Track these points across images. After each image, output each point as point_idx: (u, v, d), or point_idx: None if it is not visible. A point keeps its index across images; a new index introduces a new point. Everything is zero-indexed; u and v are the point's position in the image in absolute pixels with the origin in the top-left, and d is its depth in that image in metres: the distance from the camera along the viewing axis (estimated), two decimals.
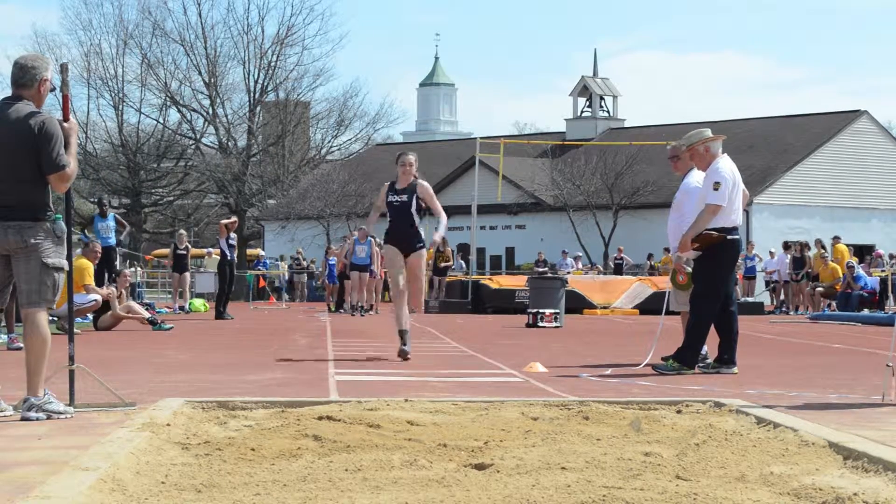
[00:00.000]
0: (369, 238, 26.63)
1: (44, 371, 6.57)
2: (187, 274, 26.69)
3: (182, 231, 29.50)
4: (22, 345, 12.53)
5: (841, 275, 27.86)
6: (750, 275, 33.18)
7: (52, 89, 6.69)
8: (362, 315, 24.99)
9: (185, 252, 26.57)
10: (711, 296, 9.93)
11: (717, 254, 9.88)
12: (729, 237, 9.91)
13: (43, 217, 6.52)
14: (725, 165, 10.03)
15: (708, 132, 10.26)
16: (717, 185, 9.79)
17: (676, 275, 10.34)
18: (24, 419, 6.43)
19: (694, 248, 9.90)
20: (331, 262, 31.00)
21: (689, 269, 10.14)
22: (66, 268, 6.70)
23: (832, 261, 29.10)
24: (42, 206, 6.52)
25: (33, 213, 6.51)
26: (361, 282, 26.14)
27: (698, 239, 9.82)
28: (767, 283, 33.80)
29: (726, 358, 10.09)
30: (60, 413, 6.47)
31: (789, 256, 31.25)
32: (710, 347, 10.29)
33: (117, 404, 6.90)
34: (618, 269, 37.23)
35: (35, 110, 6.51)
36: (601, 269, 38.32)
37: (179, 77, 57.17)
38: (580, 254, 41.36)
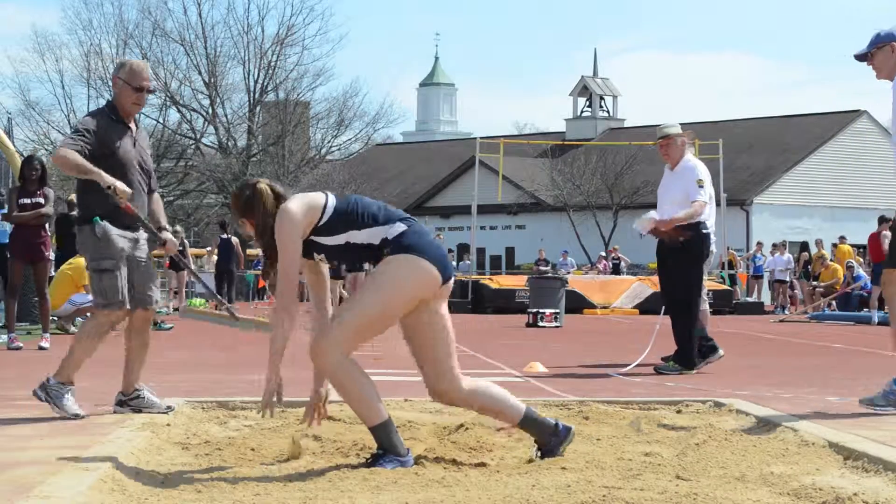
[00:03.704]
0: None
1: (76, 363, 6.49)
2: (184, 273, 26.23)
3: (178, 228, 29.33)
4: (21, 344, 12.56)
5: (841, 275, 27.84)
6: (757, 274, 33.14)
7: (151, 91, 6.64)
8: None
9: (181, 249, 26.23)
10: (693, 294, 9.99)
11: (693, 252, 9.96)
12: (703, 231, 10.06)
13: (87, 219, 6.47)
14: (700, 163, 10.31)
15: (677, 127, 10.38)
16: (700, 182, 9.99)
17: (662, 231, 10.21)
18: (33, 393, 6.45)
19: (672, 233, 9.94)
20: None
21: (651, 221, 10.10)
22: (106, 268, 6.48)
23: (831, 261, 29.08)
24: (88, 207, 6.48)
25: (83, 215, 6.52)
26: (356, 281, 26.10)
27: (674, 229, 9.91)
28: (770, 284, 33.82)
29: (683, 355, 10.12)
30: (68, 414, 6.40)
31: (785, 256, 31.30)
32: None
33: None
34: (615, 269, 37.04)
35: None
36: (601, 269, 38.14)
37: (179, 77, 57.13)
38: (602, 253, 41.04)
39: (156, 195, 6.91)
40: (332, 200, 4.96)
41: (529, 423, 5.14)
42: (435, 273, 4.90)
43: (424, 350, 5.04)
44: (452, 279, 5.04)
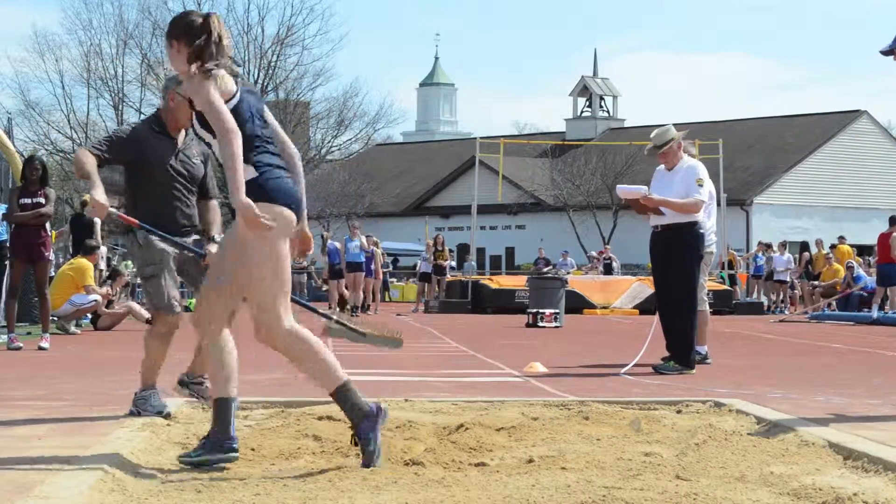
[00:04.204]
0: (361, 235, 26.62)
1: (150, 368, 6.49)
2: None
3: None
4: (21, 344, 12.56)
5: (842, 275, 27.84)
6: (758, 274, 33.15)
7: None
8: (353, 314, 24.84)
9: None
10: (690, 294, 10.00)
11: (689, 251, 9.99)
12: (699, 231, 10.12)
13: (131, 227, 6.49)
14: (699, 163, 10.38)
15: (673, 130, 10.39)
16: (700, 182, 10.04)
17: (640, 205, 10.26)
18: (130, 412, 6.44)
19: (648, 210, 10.00)
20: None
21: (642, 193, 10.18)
22: (148, 274, 6.47)
23: (836, 261, 29.04)
24: (132, 215, 6.49)
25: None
26: (356, 281, 26.12)
27: (652, 207, 9.96)
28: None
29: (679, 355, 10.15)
30: (153, 413, 6.37)
31: (785, 256, 31.31)
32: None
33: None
34: (607, 269, 36.83)
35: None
36: (600, 269, 37.91)
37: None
38: (592, 253, 40.85)
39: (212, 203, 6.82)
40: (236, 99, 4.89)
41: (341, 396, 4.90)
42: (290, 215, 4.93)
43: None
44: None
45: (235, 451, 4.90)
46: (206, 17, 4.94)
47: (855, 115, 51.36)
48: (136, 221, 6.44)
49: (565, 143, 52.25)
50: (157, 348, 6.52)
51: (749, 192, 47.29)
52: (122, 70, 57.32)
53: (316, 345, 4.90)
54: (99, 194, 6.23)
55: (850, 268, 27.39)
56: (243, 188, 4.72)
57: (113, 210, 6.34)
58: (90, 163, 6.32)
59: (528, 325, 19.63)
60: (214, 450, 4.89)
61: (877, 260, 23.09)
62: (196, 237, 6.69)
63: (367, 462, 4.80)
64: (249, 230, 4.76)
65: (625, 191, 10.35)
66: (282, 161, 5.02)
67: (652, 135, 10.44)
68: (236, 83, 4.95)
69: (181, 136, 6.67)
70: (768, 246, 32.91)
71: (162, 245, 6.49)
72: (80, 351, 12.22)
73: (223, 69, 4.91)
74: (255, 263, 4.85)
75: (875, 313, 21.60)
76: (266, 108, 5.15)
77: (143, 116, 58.26)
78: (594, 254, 39.30)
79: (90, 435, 5.63)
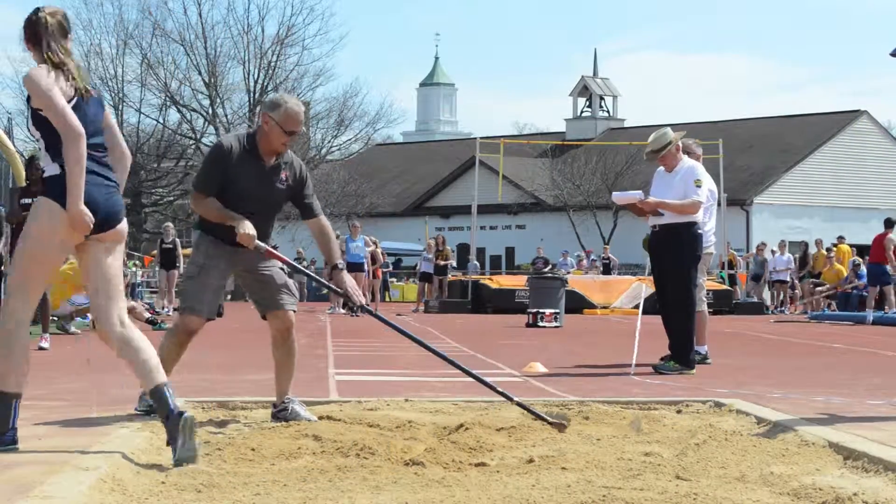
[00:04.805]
0: (362, 235, 26.64)
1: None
2: (175, 271, 24.77)
3: (168, 224, 28.27)
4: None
5: (844, 275, 27.83)
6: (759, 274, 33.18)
7: (291, 133, 6.37)
8: (354, 315, 24.83)
9: (171, 246, 24.94)
10: (688, 294, 10.01)
11: (687, 251, 10.00)
12: (698, 231, 10.14)
13: (282, 262, 6.59)
14: (698, 163, 10.42)
15: (671, 132, 10.39)
16: (699, 182, 10.04)
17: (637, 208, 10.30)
18: (136, 409, 6.50)
19: (646, 213, 10.02)
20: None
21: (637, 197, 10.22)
22: (190, 273, 6.47)
23: (837, 261, 29.01)
24: (199, 219, 6.59)
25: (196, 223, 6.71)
26: (357, 281, 26.12)
27: (650, 210, 9.99)
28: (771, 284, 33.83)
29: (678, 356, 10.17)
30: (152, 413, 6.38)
31: (785, 256, 31.31)
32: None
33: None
34: (606, 269, 36.73)
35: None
36: (600, 269, 37.91)
37: (179, 77, 57.11)
38: (579, 253, 40.91)
39: (323, 225, 6.61)
40: (73, 102, 5.12)
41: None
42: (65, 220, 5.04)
43: (89, 289, 5.25)
44: (117, 227, 5.21)
45: (183, 412, 4.94)
46: (36, 11, 5.21)
47: (855, 115, 51.36)
48: (285, 258, 6.47)
49: (565, 143, 52.22)
50: (171, 348, 6.50)
51: (749, 192, 47.29)
52: (122, 70, 57.29)
53: (21, 340, 5.17)
54: (247, 227, 6.23)
55: (856, 265, 27.35)
56: (81, 195, 4.95)
57: (262, 245, 6.30)
58: (217, 206, 6.31)
59: (528, 325, 19.63)
60: (173, 429, 4.93)
61: (868, 259, 23.13)
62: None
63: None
64: (74, 230, 5.01)
65: (621, 197, 10.35)
66: (100, 167, 5.21)
67: (650, 139, 10.43)
68: (75, 87, 5.14)
69: (272, 159, 6.49)
70: (759, 248, 32.91)
71: (215, 252, 6.41)
72: (80, 351, 12.23)
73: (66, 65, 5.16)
74: (26, 239, 5.11)
75: (870, 317, 21.62)
76: (106, 110, 5.49)
77: (142, 116, 58.56)
78: (582, 255, 39.34)
79: (90, 435, 5.63)
